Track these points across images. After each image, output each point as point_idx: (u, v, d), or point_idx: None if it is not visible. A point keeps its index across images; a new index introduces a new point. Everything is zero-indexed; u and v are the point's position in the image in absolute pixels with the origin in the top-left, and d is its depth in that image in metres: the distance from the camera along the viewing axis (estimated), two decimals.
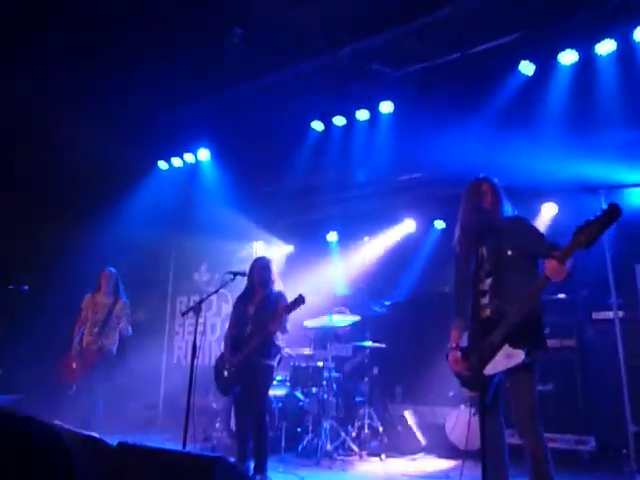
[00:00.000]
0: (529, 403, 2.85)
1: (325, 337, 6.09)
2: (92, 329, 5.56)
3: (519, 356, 2.76)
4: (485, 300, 2.99)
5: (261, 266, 4.59)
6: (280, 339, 4.55)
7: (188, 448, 3.66)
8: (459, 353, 3.07)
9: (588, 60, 4.91)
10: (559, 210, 6.05)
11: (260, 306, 4.50)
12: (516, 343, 2.79)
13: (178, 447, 3.78)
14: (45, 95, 6.49)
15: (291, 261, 7.88)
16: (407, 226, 7.30)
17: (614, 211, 2.49)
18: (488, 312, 2.97)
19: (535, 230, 3.08)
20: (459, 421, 5.38)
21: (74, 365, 5.44)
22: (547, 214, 6.07)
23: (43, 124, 7.16)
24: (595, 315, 5.19)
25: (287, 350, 5.93)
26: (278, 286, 4.64)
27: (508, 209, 3.16)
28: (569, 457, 4.79)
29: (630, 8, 4.56)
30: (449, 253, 3.40)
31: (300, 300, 4.28)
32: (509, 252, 2.99)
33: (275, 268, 4.69)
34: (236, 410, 4.64)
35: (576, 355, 5.03)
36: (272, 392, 5.50)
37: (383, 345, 5.90)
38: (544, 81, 5.13)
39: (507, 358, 2.79)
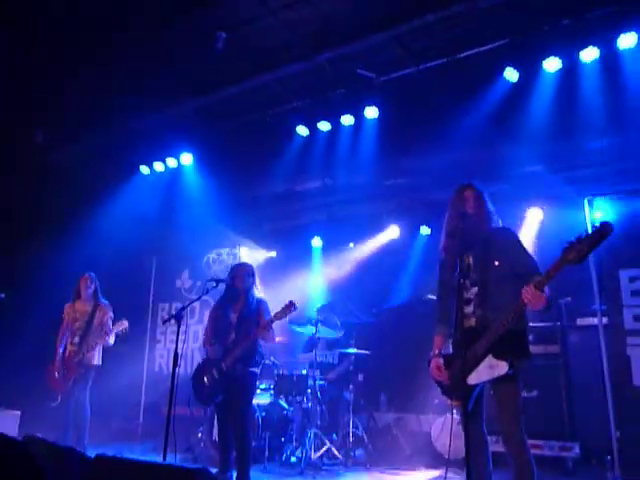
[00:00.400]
0: (513, 411, 2.88)
1: (310, 344, 6.10)
2: (73, 338, 5.48)
3: (502, 368, 2.80)
4: (469, 309, 3.02)
5: (246, 273, 4.59)
6: (263, 346, 4.56)
7: (169, 459, 3.63)
8: (441, 360, 3.11)
9: (572, 67, 5.00)
10: (544, 215, 6.14)
11: (243, 313, 4.50)
12: (500, 355, 2.83)
13: (159, 458, 3.75)
14: (20, 96, 6.43)
15: (274, 267, 7.89)
16: (392, 232, 7.35)
17: (606, 229, 2.54)
18: (472, 322, 3.00)
19: (521, 246, 3.09)
20: (445, 429, 5.41)
21: (57, 375, 5.37)
22: (532, 219, 6.16)
23: (18, 126, 7.09)
24: (579, 321, 5.27)
25: (272, 358, 5.94)
26: (258, 293, 4.66)
27: (494, 217, 3.18)
28: (553, 464, 4.85)
29: (614, 16, 4.66)
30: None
31: (291, 306, 4.29)
32: (496, 262, 3.01)
33: (254, 274, 4.70)
34: (219, 419, 4.62)
35: (560, 361, 5.10)
36: (255, 401, 5.48)
37: (368, 352, 5.92)
38: (529, 87, 5.21)
39: (491, 369, 2.83)
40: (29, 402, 6.18)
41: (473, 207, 3.11)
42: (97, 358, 5.47)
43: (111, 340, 5.47)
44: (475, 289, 3.04)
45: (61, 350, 5.47)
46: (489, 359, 2.84)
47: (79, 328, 5.49)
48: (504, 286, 2.95)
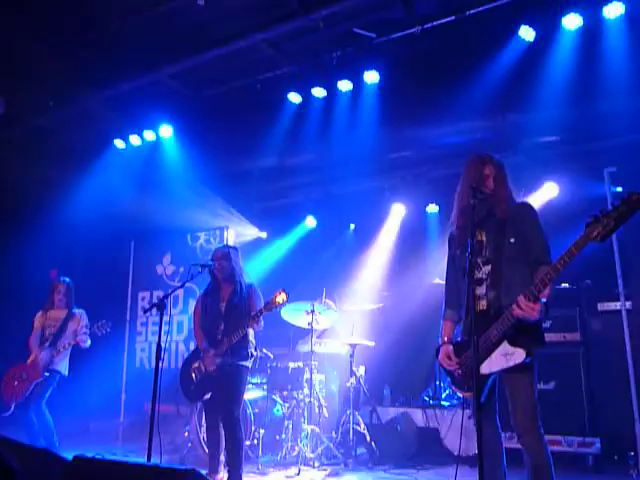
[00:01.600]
0: (529, 404, 2.88)
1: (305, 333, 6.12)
2: (43, 344, 5.56)
3: (519, 355, 2.79)
4: (481, 290, 2.98)
5: (221, 255, 4.56)
6: (252, 337, 4.56)
7: (153, 461, 3.66)
8: (451, 348, 3.09)
9: (594, 24, 4.95)
10: (560, 190, 6.14)
11: (232, 301, 4.49)
12: (516, 342, 2.81)
13: (142, 460, 3.77)
14: None
15: (265, 249, 7.89)
16: (396, 211, 7.34)
17: (635, 200, 2.47)
18: (484, 304, 2.97)
19: (535, 226, 3.04)
20: (453, 425, 5.47)
21: (15, 383, 5.40)
22: (546, 193, 6.16)
23: None
24: (600, 306, 5.29)
25: (264, 350, 5.96)
26: (245, 277, 4.64)
27: (513, 195, 3.15)
28: (573, 460, 4.91)
29: None
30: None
31: (281, 294, 4.28)
32: (511, 239, 2.98)
33: (238, 257, 4.67)
34: (207, 417, 4.65)
35: (580, 350, 5.13)
36: (247, 396, 5.52)
37: (370, 342, 5.94)
38: (546, 48, 5.16)
39: (505, 357, 2.82)
40: None
41: (492, 188, 3.05)
42: (64, 367, 5.56)
43: (87, 344, 5.57)
44: (487, 268, 3.01)
45: (31, 356, 5.54)
46: (504, 346, 2.83)
47: (50, 334, 5.60)
48: (520, 266, 2.94)
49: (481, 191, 2.92)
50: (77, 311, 5.79)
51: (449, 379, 3.16)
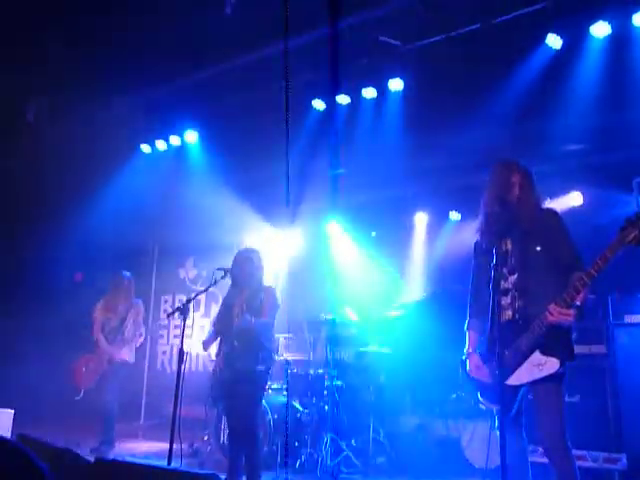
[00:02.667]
0: (558, 418, 2.83)
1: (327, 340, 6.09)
2: (110, 336, 6.08)
3: (553, 365, 2.73)
4: (507, 300, 2.92)
5: (242, 259, 4.54)
6: (271, 341, 4.54)
7: (173, 464, 3.66)
8: (479, 357, 3.03)
9: (623, 32, 4.88)
10: (587, 199, 6.03)
11: (247, 304, 4.45)
12: (549, 350, 2.75)
13: (162, 463, 3.78)
14: (7, 70, 6.45)
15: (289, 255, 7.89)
16: (419, 219, 7.31)
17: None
18: (510, 314, 2.91)
19: (563, 232, 3.00)
20: (476, 436, 5.38)
21: (83, 370, 6.04)
22: (571, 202, 6.06)
23: (5, 104, 7.13)
24: (628, 318, 5.17)
25: (285, 355, 5.95)
26: (266, 281, 4.62)
27: (540, 203, 3.12)
28: (598, 476, 4.78)
29: None
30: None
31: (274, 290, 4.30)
32: (538, 248, 2.92)
33: (260, 260, 4.63)
34: (228, 422, 4.63)
35: (606, 363, 5.01)
36: (267, 402, 5.51)
37: (390, 350, 5.90)
38: (573, 56, 5.10)
39: (538, 367, 2.75)
40: (23, 401, 6.30)
41: (518, 195, 3.01)
42: (131, 355, 6.13)
43: (141, 339, 6.30)
44: (514, 277, 2.94)
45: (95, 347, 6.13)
46: (535, 356, 2.76)
47: (114, 326, 6.09)
48: (547, 274, 2.88)
49: (506, 200, 2.88)
50: (137, 301, 6.32)
51: (478, 391, 3.08)
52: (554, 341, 2.77)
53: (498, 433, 2.72)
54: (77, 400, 6.03)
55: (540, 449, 3.00)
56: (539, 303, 2.81)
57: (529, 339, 2.80)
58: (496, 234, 2.79)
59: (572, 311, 2.69)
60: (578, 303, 2.71)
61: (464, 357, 3.12)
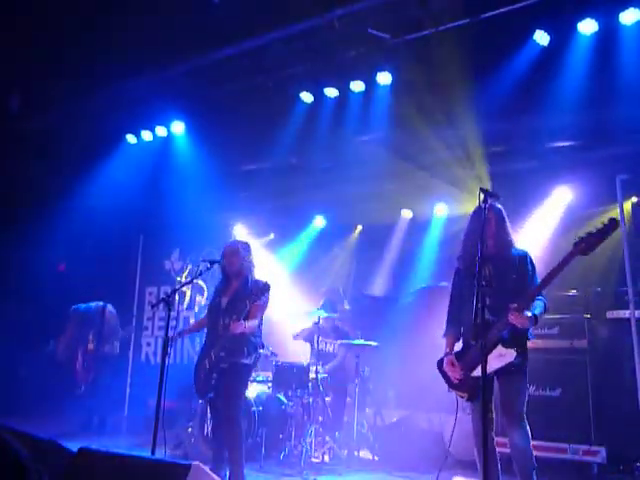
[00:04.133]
0: (522, 401, 3.44)
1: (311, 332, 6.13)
2: (90, 337, 6.86)
3: (511, 355, 3.37)
4: (486, 315, 3.30)
5: (230, 252, 4.53)
6: (255, 334, 4.53)
7: (157, 455, 3.67)
8: (454, 357, 3.63)
9: (610, 30, 4.92)
10: (573, 196, 6.10)
11: (233, 297, 4.46)
12: (508, 344, 3.39)
13: (146, 453, 3.78)
14: None
15: (272, 248, 7.89)
16: (405, 214, 7.35)
17: (614, 226, 3.16)
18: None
19: (533, 271, 3.63)
20: (458, 429, 5.43)
21: (80, 368, 6.75)
22: (559, 199, 6.13)
23: None
24: (609, 314, 5.26)
25: (270, 348, 5.97)
26: (255, 273, 4.59)
27: (512, 241, 3.68)
28: (577, 469, 4.88)
29: None
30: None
31: (265, 287, 4.26)
32: (514, 276, 3.56)
33: (249, 253, 4.61)
34: (212, 414, 4.64)
35: (587, 357, 5.09)
36: (251, 394, 5.53)
37: (375, 343, 5.93)
38: (561, 52, 5.13)
39: (499, 358, 3.38)
40: (4, 391, 6.29)
41: (494, 232, 3.60)
42: (115, 348, 6.93)
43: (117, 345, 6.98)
44: (492, 299, 3.37)
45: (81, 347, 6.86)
46: (498, 349, 3.39)
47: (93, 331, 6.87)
48: (516, 297, 3.41)
49: (486, 236, 3.40)
50: (110, 310, 7.06)
51: (447, 383, 3.70)
52: (512, 338, 3.40)
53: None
54: (64, 392, 6.52)
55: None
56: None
57: (493, 336, 3.37)
58: (474, 263, 3.18)
59: (527, 317, 3.32)
60: (529, 314, 3.35)
61: (443, 357, 3.70)
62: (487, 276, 3.44)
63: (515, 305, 3.31)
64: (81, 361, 6.82)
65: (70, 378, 6.92)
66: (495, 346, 3.38)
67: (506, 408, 3.46)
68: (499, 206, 3.69)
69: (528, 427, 3.41)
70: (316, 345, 5.75)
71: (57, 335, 7.13)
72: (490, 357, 3.32)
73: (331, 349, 6.29)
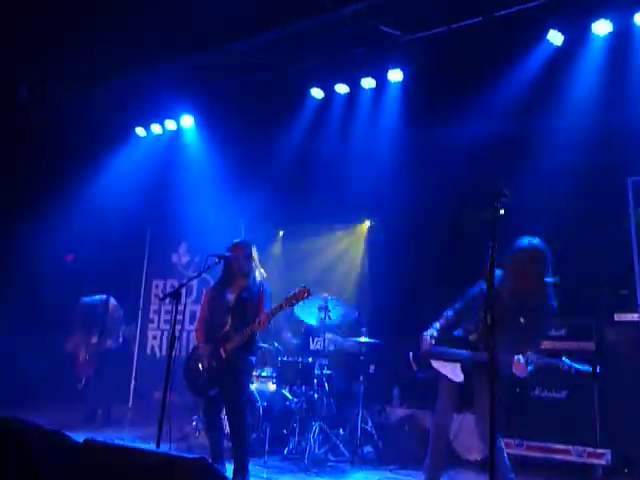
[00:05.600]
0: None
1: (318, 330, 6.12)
2: (93, 330, 6.89)
3: (459, 378, 3.86)
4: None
5: (239, 249, 4.55)
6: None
7: (162, 448, 3.68)
8: (431, 338, 3.97)
9: (625, 31, 4.89)
10: (582, 197, 6.04)
11: (242, 296, 4.47)
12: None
13: (151, 446, 3.79)
14: (5, 47, 6.38)
15: (282, 244, 7.88)
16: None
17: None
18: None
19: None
20: (463, 427, 5.43)
21: (82, 361, 6.84)
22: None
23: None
24: (617, 317, 5.23)
25: (275, 344, 5.98)
26: (260, 274, 4.61)
27: None
28: (582, 471, 4.86)
29: None
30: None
31: (304, 292, 4.26)
32: (521, 320, 3.72)
33: (255, 253, 4.64)
34: (206, 408, 4.57)
35: (594, 360, 5.06)
36: (257, 389, 5.53)
37: (379, 341, 5.93)
38: (574, 53, 5.10)
39: (452, 372, 3.89)
40: (13, 382, 6.34)
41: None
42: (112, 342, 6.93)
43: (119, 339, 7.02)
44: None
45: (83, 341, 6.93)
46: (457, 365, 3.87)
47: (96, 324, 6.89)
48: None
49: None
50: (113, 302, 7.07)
51: (412, 354, 4.16)
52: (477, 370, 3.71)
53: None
54: (67, 384, 6.63)
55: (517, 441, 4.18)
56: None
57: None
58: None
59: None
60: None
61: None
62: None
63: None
64: (84, 354, 6.85)
65: (72, 371, 6.94)
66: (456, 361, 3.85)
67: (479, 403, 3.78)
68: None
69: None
70: (320, 342, 5.74)
71: (66, 333, 7.13)
72: (445, 364, 3.91)
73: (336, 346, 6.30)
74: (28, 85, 7.39)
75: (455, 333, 4.03)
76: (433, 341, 3.99)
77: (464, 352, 3.88)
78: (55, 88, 7.38)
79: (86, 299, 7.15)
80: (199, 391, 4.53)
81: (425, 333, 4.03)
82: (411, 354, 4.20)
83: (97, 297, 7.11)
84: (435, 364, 4.02)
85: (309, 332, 6.58)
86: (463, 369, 3.85)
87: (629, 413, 4.82)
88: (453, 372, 3.90)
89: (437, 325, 4.08)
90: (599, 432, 4.83)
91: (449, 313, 4.11)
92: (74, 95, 7.34)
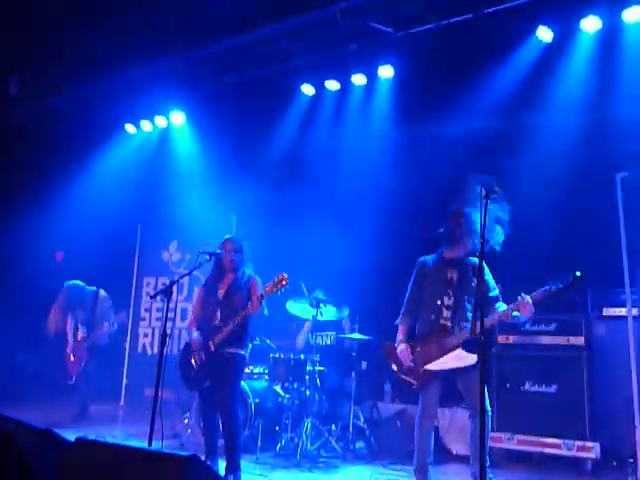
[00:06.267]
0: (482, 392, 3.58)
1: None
2: (81, 325, 6.77)
3: (472, 359, 3.77)
4: (447, 314, 3.97)
5: (231, 247, 4.58)
6: (251, 327, 4.56)
7: (154, 445, 3.67)
8: (407, 346, 4.02)
9: (614, 28, 4.91)
10: (571, 194, 6.08)
11: (230, 289, 4.51)
12: (469, 349, 3.80)
13: (143, 444, 3.78)
14: None
15: (272, 242, 7.85)
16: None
17: (579, 281, 3.51)
18: (448, 324, 3.95)
19: (489, 277, 4.04)
20: (453, 423, 5.47)
21: (72, 358, 6.72)
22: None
23: None
24: (606, 311, 5.26)
25: (268, 341, 5.98)
26: (248, 268, 4.65)
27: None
28: (571, 464, 4.90)
29: None
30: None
31: (282, 280, 4.26)
32: (473, 284, 3.91)
33: (245, 247, 4.68)
34: (203, 405, 4.63)
35: (583, 354, 5.10)
36: (248, 386, 5.53)
37: (371, 337, 5.94)
38: (564, 49, 5.12)
39: (459, 359, 3.82)
40: (1, 380, 6.30)
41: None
42: (105, 333, 6.82)
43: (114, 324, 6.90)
44: (453, 299, 3.99)
45: (71, 336, 6.81)
46: (459, 351, 3.82)
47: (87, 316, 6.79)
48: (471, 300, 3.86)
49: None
50: (102, 294, 6.96)
51: (398, 369, 4.10)
52: (472, 344, 3.71)
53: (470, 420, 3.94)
54: (59, 381, 6.60)
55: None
56: (465, 319, 3.91)
57: (454, 340, 3.84)
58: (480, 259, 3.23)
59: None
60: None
61: (396, 344, 4.09)
62: (451, 280, 4.00)
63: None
64: (72, 350, 6.74)
65: (61, 367, 6.85)
66: (455, 349, 3.82)
67: (468, 401, 3.94)
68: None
69: (490, 419, 3.89)
70: (312, 338, 5.75)
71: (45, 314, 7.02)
72: (448, 357, 3.84)
73: (327, 342, 6.31)
74: (18, 80, 7.33)
75: (421, 323, 4.05)
76: (409, 350, 4.01)
77: (452, 339, 3.86)
78: (44, 82, 7.33)
79: (78, 284, 7.00)
80: (193, 384, 4.55)
81: (397, 346, 4.06)
82: (401, 376, 4.12)
83: (88, 288, 7.00)
84: (434, 366, 3.92)
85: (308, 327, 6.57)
86: (465, 348, 3.79)
87: (617, 407, 4.86)
88: (459, 359, 3.82)
89: (399, 324, 4.14)
90: (588, 426, 4.87)
91: (406, 307, 4.16)
92: (63, 90, 7.29)
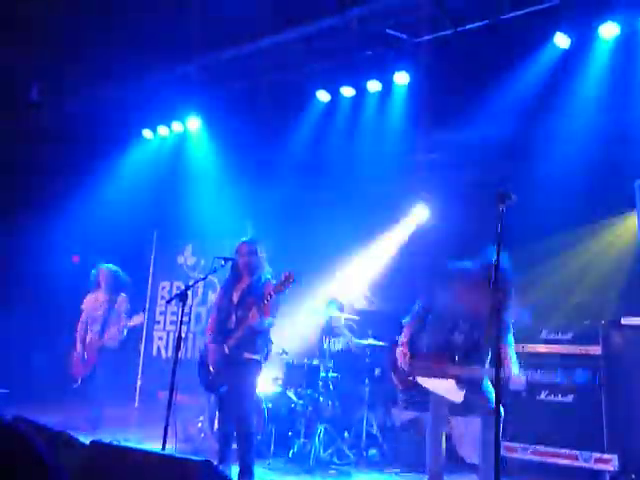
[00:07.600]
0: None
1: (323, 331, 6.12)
2: (93, 326, 6.39)
3: (459, 397, 3.81)
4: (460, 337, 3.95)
5: (247, 250, 4.58)
6: (267, 332, 4.55)
7: (167, 449, 3.68)
8: (408, 349, 4.06)
9: (631, 34, 4.86)
10: (588, 201, 6.01)
11: (245, 293, 4.51)
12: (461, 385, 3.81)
13: (156, 447, 3.79)
14: (18, 47, 6.42)
15: (287, 246, 7.85)
16: (419, 214, 7.26)
17: None
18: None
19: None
20: (468, 432, 5.40)
21: (78, 360, 6.40)
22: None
23: (10, 80, 7.08)
24: (625, 320, 5.18)
25: (282, 347, 5.97)
26: (266, 272, 4.64)
27: None
28: (588, 476, 4.82)
29: None
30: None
31: (290, 277, 4.26)
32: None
33: (262, 252, 4.66)
34: (219, 410, 4.65)
35: (601, 364, 5.03)
36: (262, 391, 5.53)
37: (386, 344, 5.90)
38: (581, 56, 5.08)
39: (446, 390, 3.84)
40: (19, 382, 6.35)
41: None
42: (116, 344, 6.42)
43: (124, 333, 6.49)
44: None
45: (81, 337, 6.48)
46: (451, 383, 3.80)
47: (100, 316, 6.40)
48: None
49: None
50: (122, 294, 6.59)
51: (393, 373, 4.21)
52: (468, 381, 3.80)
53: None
54: (71, 382, 6.35)
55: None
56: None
57: (456, 373, 3.80)
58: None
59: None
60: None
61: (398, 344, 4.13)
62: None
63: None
64: (80, 354, 6.46)
65: (72, 369, 6.62)
66: (450, 379, 3.80)
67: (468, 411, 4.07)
68: None
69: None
70: (328, 345, 5.73)
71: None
72: (437, 381, 3.87)
73: (341, 349, 6.29)
74: (39, 85, 7.43)
75: (427, 342, 4.05)
76: (407, 357, 4.04)
77: (456, 367, 3.83)
78: (64, 90, 7.42)
79: (112, 268, 6.77)
80: (210, 387, 4.57)
81: (398, 348, 4.10)
82: (392, 374, 4.21)
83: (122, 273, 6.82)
84: (423, 381, 3.97)
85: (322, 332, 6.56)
86: (459, 384, 3.79)
87: (636, 418, 4.77)
88: (448, 390, 3.82)
89: (405, 328, 4.16)
90: (606, 437, 4.78)
91: (416, 312, 4.20)
92: (83, 98, 7.38)
